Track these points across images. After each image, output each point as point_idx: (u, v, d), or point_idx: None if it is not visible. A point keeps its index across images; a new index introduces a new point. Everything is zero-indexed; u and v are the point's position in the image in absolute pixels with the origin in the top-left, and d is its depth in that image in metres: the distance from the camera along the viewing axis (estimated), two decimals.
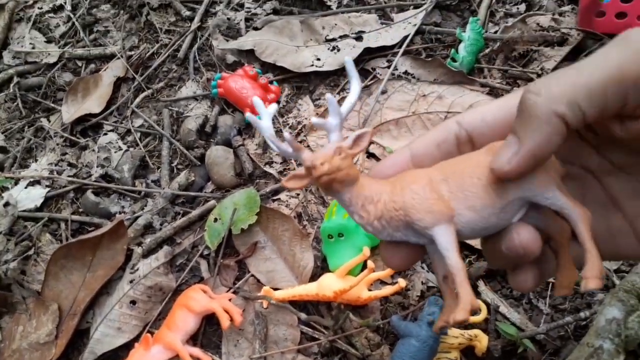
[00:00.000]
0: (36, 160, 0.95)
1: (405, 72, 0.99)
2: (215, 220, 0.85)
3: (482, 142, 0.35)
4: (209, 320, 0.79)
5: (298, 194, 0.88)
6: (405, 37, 1.03)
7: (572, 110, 0.28)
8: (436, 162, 0.36)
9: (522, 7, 1.07)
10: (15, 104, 1.03)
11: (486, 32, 1.02)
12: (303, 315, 0.72)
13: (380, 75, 0.99)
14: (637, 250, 0.35)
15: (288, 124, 0.97)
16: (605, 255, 0.33)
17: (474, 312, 0.34)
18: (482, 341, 0.69)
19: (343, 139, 0.35)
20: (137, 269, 0.80)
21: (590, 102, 0.28)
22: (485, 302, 0.74)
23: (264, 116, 0.37)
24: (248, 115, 0.38)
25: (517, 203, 0.33)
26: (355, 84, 0.36)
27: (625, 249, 0.36)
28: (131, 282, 0.78)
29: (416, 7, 1.09)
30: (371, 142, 0.90)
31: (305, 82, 1.02)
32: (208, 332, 0.79)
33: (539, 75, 0.94)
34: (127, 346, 0.77)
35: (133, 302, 0.78)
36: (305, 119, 0.96)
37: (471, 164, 0.34)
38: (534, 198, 0.33)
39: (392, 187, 0.35)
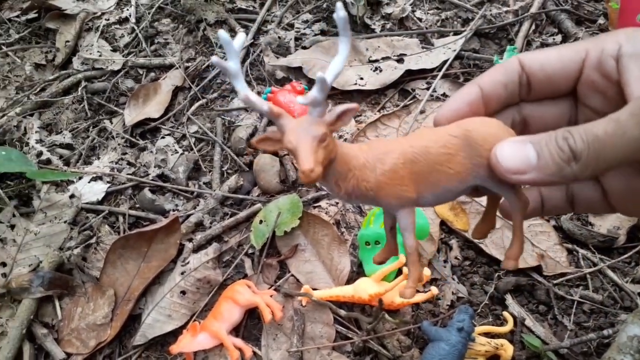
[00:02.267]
0: (99, 158, 1.04)
1: (444, 94, 1.05)
2: (261, 222, 0.91)
3: (539, 89, 0.40)
4: (251, 314, 0.85)
5: (337, 203, 0.94)
6: (445, 62, 1.09)
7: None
8: (503, 102, 0.41)
9: (559, 38, 1.12)
10: (82, 105, 1.12)
11: None
12: (343, 312, 0.77)
13: (420, 96, 1.05)
14: None
15: None
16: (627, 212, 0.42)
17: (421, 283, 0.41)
18: (507, 350, 0.74)
19: (325, 112, 0.36)
20: (188, 262, 0.87)
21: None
22: (512, 314, 0.78)
23: (231, 55, 0.35)
24: (213, 58, 0.35)
25: (472, 186, 0.39)
26: (344, 46, 0.35)
27: None
28: (182, 273, 0.85)
29: (456, 33, 1.15)
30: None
31: (347, 99, 1.08)
32: (249, 325, 0.85)
33: None
34: (175, 333, 0.84)
35: (183, 292, 0.85)
36: (346, 132, 1.03)
37: (441, 146, 0.37)
38: (488, 186, 0.39)
39: (365, 159, 0.37)
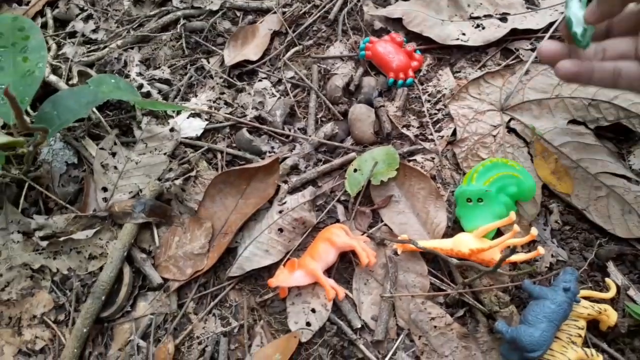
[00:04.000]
0: (196, 96, 1.05)
1: None
2: (355, 170, 0.91)
3: None
4: (342, 259, 0.86)
5: (434, 158, 0.93)
6: (551, 23, 1.04)
7: None
8: None
9: None
10: (180, 43, 1.14)
11: None
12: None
13: (523, 56, 1.02)
14: None
15: (427, 92, 1.02)
16: None
17: None
18: (610, 316, 0.73)
19: None
20: (285, 202, 0.88)
21: None
22: (614, 282, 0.77)
23: None
24: None
25: None
26: None
27: None
28: (280, 212, 0.87)
29: None
30: (511, 119, 0.93)
31: (447, 55, 1.06)
32: (340, 268, 0.86)
33: None
34: (269, 268, 0.86)
35: (280, 230, 0.86)
36: (445, 88, 1.01)
37: None
38: None
39: None
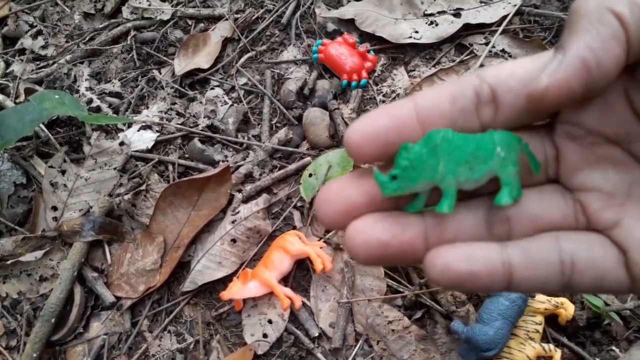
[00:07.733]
0: (148, 107, 1.03)
1: (503, 50, 1.00)
2: (310, 175, 0.89)
3: (509, 100, 0.26)
4: (299, 266, 0.84)
5: None
6: (505, 17, 1.04)
7: (631, 10, 0.22)
8: (448, 120, 0.26)
9: None
10: (131, 55, 1.11)
11: None
12: None
13: (477, 51, 1.01)
14: None
15: (382, 92, 1.00)
16: None
17: None
18: (568, 309, 0.71)
19: None
20: (239, 212, 0.86)
21: None
22: None
23: None
24: None
25: None
26: None
27: None
28: (233, 222, 0.85)
29: None
30: None
31: (401, 54, 1.05)
32: (298, 276, 0.84)
33: None
34: (224, 280, 0.84)
35: (234, 241, 0.84)
36: (399, 87, 0.99)
37: None
38: None
39: None
